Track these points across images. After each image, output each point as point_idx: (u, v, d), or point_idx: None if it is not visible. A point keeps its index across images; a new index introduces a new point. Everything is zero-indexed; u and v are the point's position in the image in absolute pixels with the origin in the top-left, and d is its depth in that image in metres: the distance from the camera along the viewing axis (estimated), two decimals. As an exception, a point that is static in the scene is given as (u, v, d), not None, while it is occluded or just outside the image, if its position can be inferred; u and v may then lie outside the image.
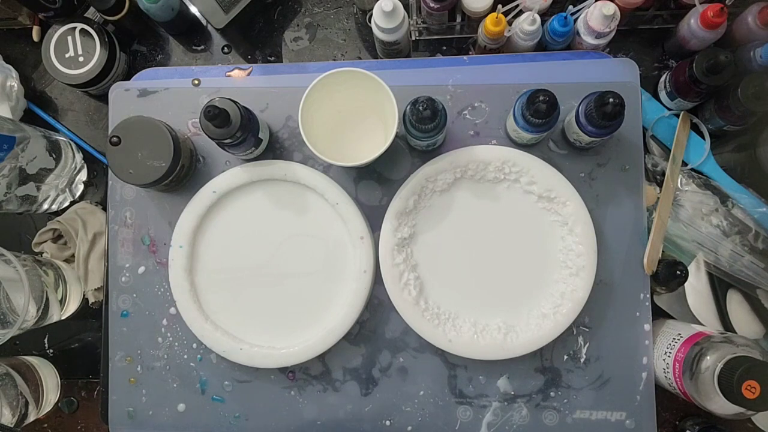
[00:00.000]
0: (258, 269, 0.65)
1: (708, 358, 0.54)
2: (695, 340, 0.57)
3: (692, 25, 0.63)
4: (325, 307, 0.65)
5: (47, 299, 0.65)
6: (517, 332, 0.62)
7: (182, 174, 0.64)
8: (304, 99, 0.56)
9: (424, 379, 0.64)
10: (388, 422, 0.64)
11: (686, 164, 0.66)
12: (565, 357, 0.63)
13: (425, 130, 0.57)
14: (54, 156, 0.69)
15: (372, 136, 0.63)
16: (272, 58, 0.74)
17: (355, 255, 0.63)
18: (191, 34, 0.75)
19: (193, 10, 0.75)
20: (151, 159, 0.60)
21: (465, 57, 0.67)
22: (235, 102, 0.58)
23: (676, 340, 0.59)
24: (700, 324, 0.64)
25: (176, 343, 0.66)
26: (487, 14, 0.64)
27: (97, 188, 0.75)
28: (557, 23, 0.64)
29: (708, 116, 0.66)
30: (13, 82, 0.72)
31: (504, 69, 0.66)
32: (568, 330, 0.62)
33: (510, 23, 0.65)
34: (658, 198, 0.64)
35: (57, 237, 0.72)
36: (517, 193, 0.64)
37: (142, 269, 0.66)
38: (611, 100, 0.54)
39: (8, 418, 0.64)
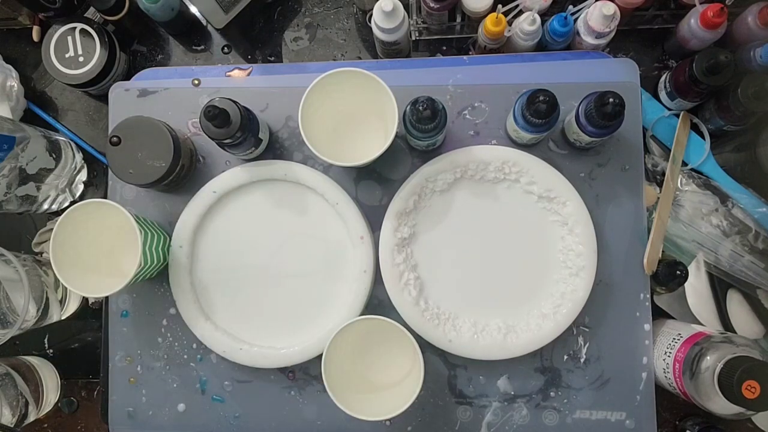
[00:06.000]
0: (258, 269, 0.65)
1: (708, 358, 0.54)
2: (695, 340, 0.57)
3: (692, 25, 0.63)
4: (325, 307, 0.65)
5: (47, 299, 0.65)
6: (517, 332, 0.62)
7: (182, 174, 0.64)
8: (304, 99, 0.56)
9: (424, 379, 0.64)
10: (387, 422, 0.64)
11: (686, 164, 0.66)
12: (565, 357, 0.63)
13: (425, 130, 0.57)
14: (54, 156, 0.69)
15: (372, 136, 0.63)
16: (272, 58, 0.74)
17: (355, 255, 0.63)
18: (191, 34, 0.75)
19: (193, 10, 0.75)
20: (151, 159, 0.60)
21: (465, 57, 0.67)
22: (235, 102, 0.58)
23: (676, 340, 0.59)
24: (700, 324, 0.64)
25: (176, 343, 0.66)
26: (487, 14, 0.64)
27: (97, 188, 0.75)
28: (557, 23, 0.64)
29: (708, 116, 0.66)
30: (13, 82, 0.72)
31: (504, 69, 0.66)
32: (568, 330, 0.62)
33: (510, 23, 0.65)
34: (658, 198, 0.64)
35: (57, 237, 0.72)
36: (517, 193, 0.64)
37: (142, 269, 0.66)
38: (611, 100, 0.54)
39: (8, 418, 0.64)
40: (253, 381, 0.65)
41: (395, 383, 0.62)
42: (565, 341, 0.63)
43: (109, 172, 0.67)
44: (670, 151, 0.66)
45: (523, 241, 0.64)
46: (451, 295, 0.64)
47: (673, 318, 0.66)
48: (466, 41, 0.72)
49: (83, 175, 0.74)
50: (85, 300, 0.72)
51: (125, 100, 0.67)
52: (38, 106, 0.75)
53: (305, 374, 0.65)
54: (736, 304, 0.65)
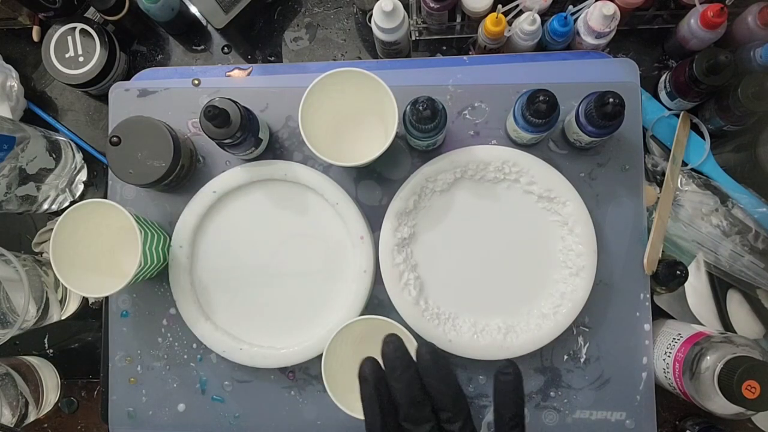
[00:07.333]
0: (258, 269, 0.65)
1: (708, 358, 0.54)
2: (695, 340, 0.57)
3: (692, 25, 0.63)
4: (325, 307, 0.65)
5: (47, 299, 0.65)
6: (517, 332, 0.62)
7: (182, 174, 0.64)
8: (304, 99, 0.56)
9: (424, 379, 0.64)
10: (388, 422, 0.64)
11: (686, 164, 0.66)
12: (565, 357, 0.63)
13: (425, 130, 0.57)
14: (54, 156, 0.69)
15: (372, 136, 0.63)
16: (272, 58, 0.74)
17: (355, 255, 0.63)
18: (191, 34, 0.75)
19: (193, 10, 0.75)
20: (151, 159, 0.60)
21: (465, 57, 0.67)
22: (235, 102, 0.58)
23: (676, 340, 0.59)
24: (700, 324, 0.64)
25: (176, 343, 0.66)
26: (487, 14, 0.64)
27: (97, 188, 0.75)
28: (557, 23, 0.64)
29: (708, 116, 0.66)
30: (13, 82, 0.72)
31: (504, 69, 0.66)
32: (568, 330, 0.62)
33: (510, 23, 0.65)
34: (658, 198, 0.64)
35: (57, 237, 0.72)
36: (517, 193, 0.64)
37: (142, 269, 0.66)
38: (611, 100, 0.54)
39: (8, 418, 0.64)
40: (253, 381, 0.65)
41: None
42: (565, 341, 0.63)
43: (109, 172, 0.67)
44: (670, 151, 0.66)
45: (523, 241, 0.64)
46: (451, 295, 0.64)
47: (673, 318, 0.66)
48: (466, 41, 0.72)
49: (83, 175, 0.74)
50: (85, 300, 0.72)
51: (125, 100, 0.67)
52: (38, 106, 0.75)
53: (305, 374, 0.65)
54: (736, 304, 0.65)
